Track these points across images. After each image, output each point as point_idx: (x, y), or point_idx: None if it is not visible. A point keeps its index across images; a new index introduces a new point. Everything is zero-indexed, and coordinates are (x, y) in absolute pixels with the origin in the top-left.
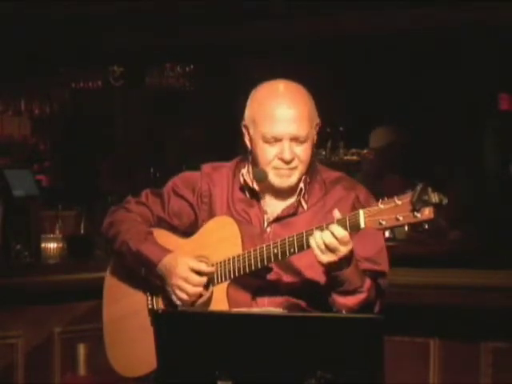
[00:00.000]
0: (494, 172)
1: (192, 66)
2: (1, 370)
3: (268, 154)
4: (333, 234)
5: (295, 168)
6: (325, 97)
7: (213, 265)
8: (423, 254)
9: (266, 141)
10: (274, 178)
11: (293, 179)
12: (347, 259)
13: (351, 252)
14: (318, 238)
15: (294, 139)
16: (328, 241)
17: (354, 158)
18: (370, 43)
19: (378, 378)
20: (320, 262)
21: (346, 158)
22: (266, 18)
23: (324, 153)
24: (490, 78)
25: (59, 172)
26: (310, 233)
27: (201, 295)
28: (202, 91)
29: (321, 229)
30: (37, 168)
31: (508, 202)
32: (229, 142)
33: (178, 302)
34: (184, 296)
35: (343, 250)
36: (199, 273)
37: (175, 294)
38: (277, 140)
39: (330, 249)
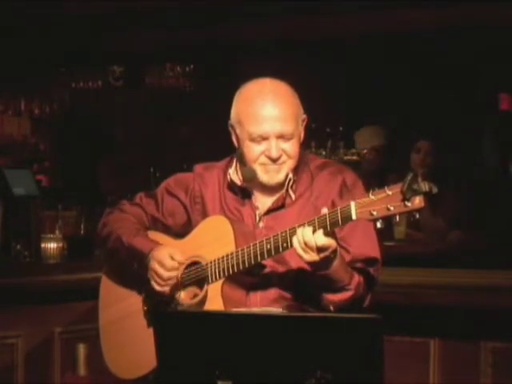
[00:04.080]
0: (494, 172)
1: (192, 66)
2: (1, 370)
3: (255, 151)
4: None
5: (283, 163)
6: (325, 97)
7: (207, 264)
8: (423, 254)
9: (253, 140)
10: (262, 175)
11: (281, 175)
12: (330, 259)
13: (334, 252)
14: (299, 236)
15: (281, 137)
16: (307, 239)
17: (354, 157)
18: (370, 43)
19: (378, 377)
20: (304, 261)
21: (346, 158)
22: (266, 17)
23: (324, 153)
24: (490, 77)
25: (59, 172)
26: (302, 226)
27: (195, 295)
28: (201, 91)
29: (303, 226)
30: (37, 168)
31: (508, 202)
32: (228, 142)
33: (157, 288)
34: (159, 280)
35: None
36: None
37: (152, 279)
38: (263, 138)
39: (310, 247)
